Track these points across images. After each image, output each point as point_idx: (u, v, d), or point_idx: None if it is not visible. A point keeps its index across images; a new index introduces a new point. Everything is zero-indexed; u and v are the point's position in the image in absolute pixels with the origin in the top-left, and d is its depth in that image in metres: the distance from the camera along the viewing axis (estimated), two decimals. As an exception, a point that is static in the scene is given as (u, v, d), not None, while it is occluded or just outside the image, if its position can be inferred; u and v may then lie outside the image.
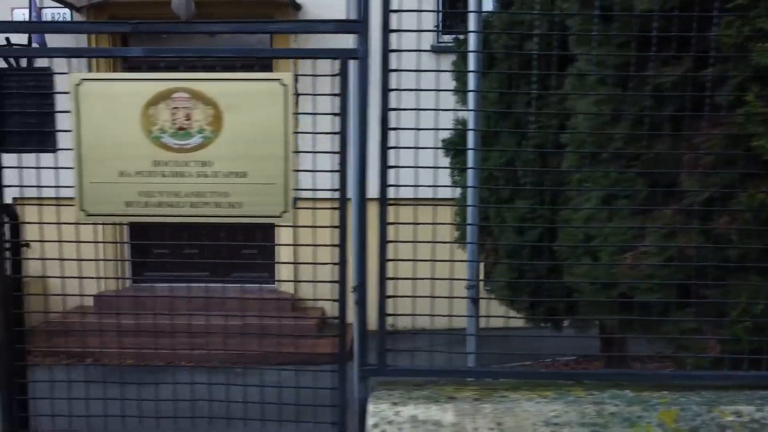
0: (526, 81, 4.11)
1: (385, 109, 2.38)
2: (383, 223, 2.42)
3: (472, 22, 3.89)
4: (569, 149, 3.01)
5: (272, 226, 6.41)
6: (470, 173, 3.98)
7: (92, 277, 2.89)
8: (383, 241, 2.43)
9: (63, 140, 2.53)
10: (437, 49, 6.20)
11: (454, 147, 4.47)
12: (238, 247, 6.67)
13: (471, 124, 3.93)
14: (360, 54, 2.33)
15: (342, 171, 2.43)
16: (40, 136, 2.44)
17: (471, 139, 3.90)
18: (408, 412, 2.34)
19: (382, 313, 2.45)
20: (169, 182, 2.42)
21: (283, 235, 6.55)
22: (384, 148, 2.38)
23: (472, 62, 3.93)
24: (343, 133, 2.40)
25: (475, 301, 3.66)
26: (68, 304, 5.90)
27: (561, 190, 3.16)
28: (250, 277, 7.02)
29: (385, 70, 2.36)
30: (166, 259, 6.49)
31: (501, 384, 2.51)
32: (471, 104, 3.95)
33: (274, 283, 7.38)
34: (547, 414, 2.32)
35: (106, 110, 2.40)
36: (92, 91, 2.40)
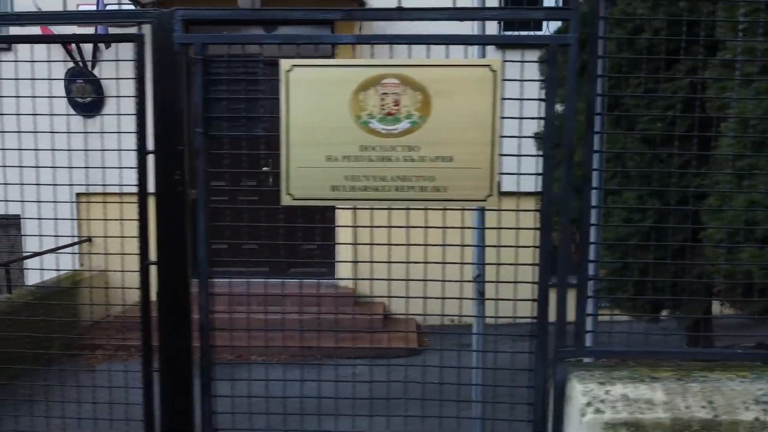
0: (640, 70, 4.18)
1: (593, 95, 2.42)
2: (587, 208, 2.47)
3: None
4: (732, 135, 3.05)
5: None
6: (596, 157, 4.03)
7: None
8: (587, 225, 2.48)
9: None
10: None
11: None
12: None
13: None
14: (570, 41, 2.37)
15: (545, 156, 2.47)
16: (248, 121, 2.47)
17: (597, 123, 3.94)
18: (618, 391, 2.39)
19: (583, 295, 2.50)
20: (376, 166, 2.47)
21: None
22: (590, 133, 2.44)
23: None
24: (548, 119, 2.45)
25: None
26: (128, 299, 5.93)
27: (717, 173, 3.20)
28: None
29: (593, 56, 2.41)
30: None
31: (694, 365, 2.56)
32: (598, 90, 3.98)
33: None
34: (754, 392, 2.38)
35: (315, 96, 2.44)
36: (302, 77, 2.44)
